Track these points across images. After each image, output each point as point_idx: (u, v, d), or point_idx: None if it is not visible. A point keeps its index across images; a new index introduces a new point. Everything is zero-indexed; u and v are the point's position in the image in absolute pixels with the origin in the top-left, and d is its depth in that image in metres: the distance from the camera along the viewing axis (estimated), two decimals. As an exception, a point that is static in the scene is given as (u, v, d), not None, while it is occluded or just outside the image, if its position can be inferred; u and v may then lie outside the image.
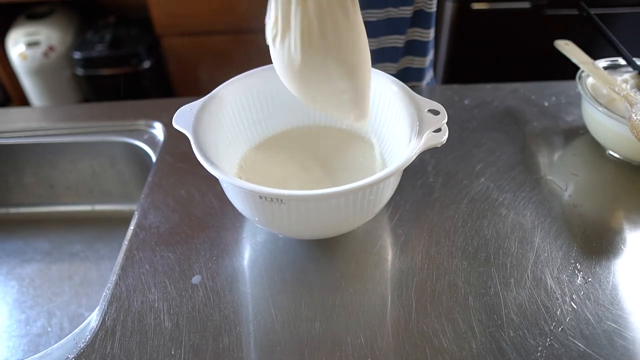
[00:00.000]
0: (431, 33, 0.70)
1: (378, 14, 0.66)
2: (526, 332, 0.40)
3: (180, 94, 1.68)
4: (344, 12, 0.38)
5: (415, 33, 0.69)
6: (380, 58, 0.71)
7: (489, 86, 0.71)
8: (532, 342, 0.39)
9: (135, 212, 0.53)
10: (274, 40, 0.40)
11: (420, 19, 0.68)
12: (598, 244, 0.48)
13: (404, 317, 0.42)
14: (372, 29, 0.67)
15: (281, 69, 0.42)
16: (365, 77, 0.42)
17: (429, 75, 0.77)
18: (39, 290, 0.63)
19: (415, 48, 0.71)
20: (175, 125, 0.43)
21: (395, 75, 0.72)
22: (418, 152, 0.39)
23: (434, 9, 0.67)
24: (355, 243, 0.49)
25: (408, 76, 0.74)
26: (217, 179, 0.39)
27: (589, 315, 0.41)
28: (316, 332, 0.41)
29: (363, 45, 0.40)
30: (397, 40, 0.69)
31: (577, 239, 0.48)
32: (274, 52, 0.41)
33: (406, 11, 0.66)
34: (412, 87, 0.46)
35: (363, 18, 0.69)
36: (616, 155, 0.58)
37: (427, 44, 0.70)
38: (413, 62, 0.73)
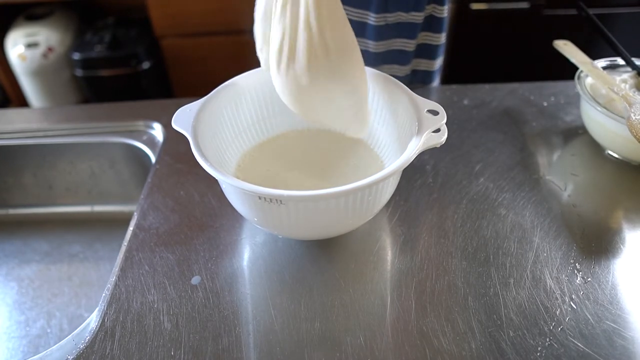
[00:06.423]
0: (442, 37, 0.70)
1: (388, 18, 0.66)
2: (526, 332, 0.40)
3: (179, 94, 1.68)
4: (342, 29, 0.39)
5: (427, 37, 0.70)
6: (388, 60, 0.71)
7: (487, 86, 0.72)
8: (531, 342, 0.39)
9: (135, 213, 0.53)
10: (278, 67, 0.40)
11: (431, 23, 0.69)
12: (597, 244, 0.48)
13: (403, 317, 0.42)
14: (382, 32, 0.68)
15: (286, 93, 0.42)
16: (365, 90, 0.43)
17: (436, 80, 0.77)
18: (38, 291, 0.63)
19: (425, 51, 0.72)
20: (174, 126, 0.43)
21: (404, 78, 0.72)
22: (417, 152, 0.39)
23: (444, 14, 0.68)
24: (355, 243, 0.49)
25: (416, 78, 0.74)
26: (216, 180, 0.39)
27: (589, 315, 0.41)
28: (316, 332, 0.41)
29: (360, 61, 0.41)
30: (406, 44, 0.69)
31: (576, 239, 0.48)
32: (278, 79, 0.42)
33: (417, 17, 0.67)
34: (414, 88, 0.46)
35: (373, 22, 0.69)
36: (615, 155, 0.58)
37: (437, 47, 0.71)
38: (420, 64, 0.73)
